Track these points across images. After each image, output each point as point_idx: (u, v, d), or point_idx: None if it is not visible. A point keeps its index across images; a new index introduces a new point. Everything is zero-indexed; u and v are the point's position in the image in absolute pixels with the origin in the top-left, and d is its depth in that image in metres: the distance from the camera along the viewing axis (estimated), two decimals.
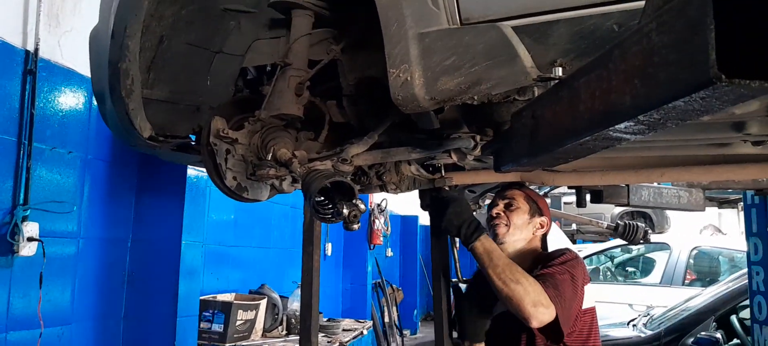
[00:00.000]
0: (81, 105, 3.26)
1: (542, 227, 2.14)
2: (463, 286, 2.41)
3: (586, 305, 1.96)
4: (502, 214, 2.11)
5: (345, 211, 1.44)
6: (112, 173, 3.51)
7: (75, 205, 3.20)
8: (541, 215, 2.13)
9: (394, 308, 9.12)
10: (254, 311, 4.42)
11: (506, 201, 2.13)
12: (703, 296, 4.78)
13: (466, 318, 2.17)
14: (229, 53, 2.01)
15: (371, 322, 6.73)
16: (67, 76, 3.14)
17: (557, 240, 5.90)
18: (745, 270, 4.04)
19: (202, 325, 4.12)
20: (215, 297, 4.40)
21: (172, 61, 1.92)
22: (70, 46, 3.16)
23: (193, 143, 2.15)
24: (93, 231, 3.35)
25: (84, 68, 2.89)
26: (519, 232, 2.09)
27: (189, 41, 1.93)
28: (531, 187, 2.39)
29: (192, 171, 3.70)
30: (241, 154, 1.79)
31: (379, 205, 8.83)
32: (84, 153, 3.27)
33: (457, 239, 2.30)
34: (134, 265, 3.66)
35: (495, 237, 2.11)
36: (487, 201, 3.95)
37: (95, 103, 2.24)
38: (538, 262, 2.00)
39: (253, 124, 1.78)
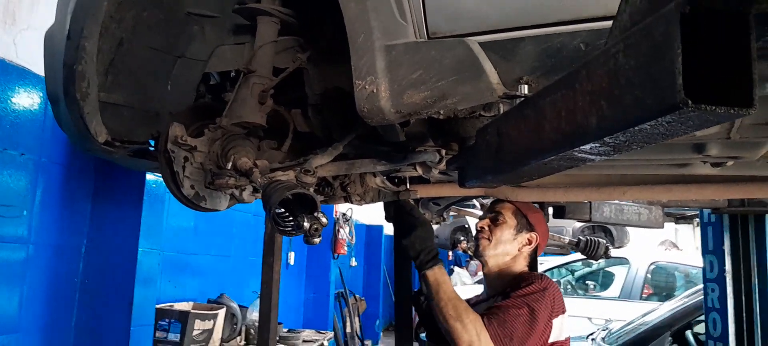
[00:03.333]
0: (36, 106, 3.14)
1: (530, 243, 2.08)
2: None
3: (555, 338, 1.90)
4: (486, 228, 2.08)
5: (306, 224, 1.40)
6: (67, 177, 3.39)
7: (25, 209, 3.07)
8: (530, 230, 2.08)
9: (357, 319, 9.06)
10: (212, 321, 4.31)
11: (493, 215, 2.10)
12: (659, 312, 4.87)
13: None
14: (192, 58, 1.96)
15: (332, 333, 6.66)
16: (21, 76, 3.02)
17: None
18: (700, 286, 4.13)
19: (157, 334, 4.00)
20: (172, 306, 4.28)
21: (132, 64, 1.86)
22: (25, 44, 3.04)
23: (151, 149, 2.09)
24: (44, 237, 3.22)
25: (40, 68, 2.76)
26: (502, 246, 2.05)
27: (150, 45, 1.87)
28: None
29: (151, 176, 3.60)
30: (199, 162, 1.74)
31: (344, 214, 8.78)
32: (37, 156, 3.15)
33: None
34: (88, 272, 3.53)
35: (477, 251, 2.09)
36: (452, 214, 3.97)
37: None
38: (516, 282, 1.95)
39: (213, 132, 1.73)
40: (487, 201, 2.80)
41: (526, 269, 2.08)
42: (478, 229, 2.12)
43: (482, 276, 2.19)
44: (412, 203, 2.27)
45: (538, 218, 2.14)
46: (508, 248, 2.05)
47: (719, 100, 0.69)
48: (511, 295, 1.88)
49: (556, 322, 1.90)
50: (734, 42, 0.72)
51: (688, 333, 4.44)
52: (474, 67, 1.25)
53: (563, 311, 1.95)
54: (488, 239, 2.06)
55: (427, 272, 1.91)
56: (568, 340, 1.97)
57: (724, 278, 3.47)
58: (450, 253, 13.67)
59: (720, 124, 1.44)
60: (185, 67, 1.96)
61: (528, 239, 2.07)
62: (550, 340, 1.89)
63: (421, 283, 2.05)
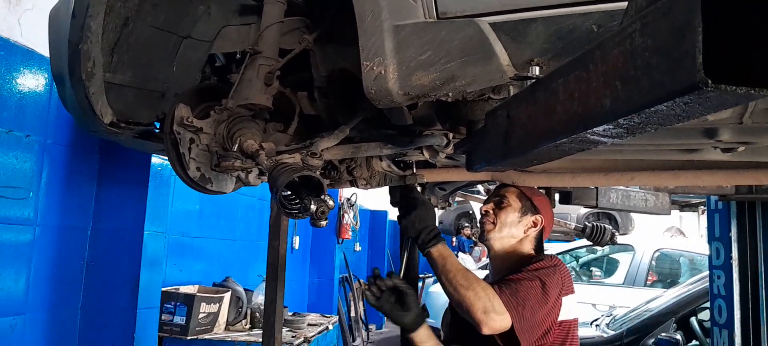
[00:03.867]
0: (41, 87, 3.13)
1: (535, 225, 2.07)
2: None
3: (564, 317, 1.90)
4: (491, 212, 2.08)
5: (312, 207, 1.39)
6: (72, 158, 3.39)
7: (31, 191, 3.08)
8: (535, 213, 2.08)
9: (361, 303, 9.11)
10: (217, 304, 4.33)
11: (497, 199, 2.10)
12: (664, 298, 4.87)
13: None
14: (197, 39, 1.94)
15: (337, 316, 6.69)
16: (26, 57, 3.01)
17: None
18: (705, 273, 4.12)
19: (163, 317, 4.02)
20: (178, 289, 4.30)
21: (137, 44, 1.85)
22: (30, 25, 3.03)
23: (156, 131, 2.08)
24: (50, 218, 3.23)
25: (45, 49, 2.76)
26: (507, 229, 2.04)
27: (155, 25, 1.86)
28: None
29: (156, 159, 3.60)
30: (205, 144, 1.73)
31: (348, 199, 8.80)
32: (43, 137, 3.14)
33: None
34: (94, 254, 3.54)
35: (482, 235, 2.09)
36: (457, 200, 3.96)
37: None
38: (523, 264, 1.95)
39: (219, 113, 1.72)
40: (493, 186, 2.78)
41: (533, 252, 2.07)
42: (483, 213, 2.11)
43: (487, 262, 2.18)
44: (417, 187, 2.26)
45: (543, 201, 2.13)
46: (513, 231, 2.05)
47: (739, 81, 0.67)
48: (521, 270, 1.88)
49: (565, 300, 1.90)
50: (754, 21, 0.70)
51: (693, 320, 4.43)
52: (484, 49, 1.23)
53: (572, 292, 1.95)
54: (493, 223, 2.05)
55: (430, 249, 1.90)
56: (576, 321, 1.97)
57: (731, 265, 3.46)
58: (454, 239, 13.70)
59: (732, 109, 1.42)
60: (191, 48, 1.94)
61: (533, 222, 2.07)
62: (560, 318, 1.89)
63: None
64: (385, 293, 1.98)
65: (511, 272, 1.90)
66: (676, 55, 0.68)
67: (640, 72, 0.76)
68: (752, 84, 0.68)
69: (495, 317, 1.72)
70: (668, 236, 11.05)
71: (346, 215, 8.46)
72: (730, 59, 0.71)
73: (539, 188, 2.32)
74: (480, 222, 2.12)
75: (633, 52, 0.77)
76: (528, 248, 2.07)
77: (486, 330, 1.73)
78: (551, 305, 1.84)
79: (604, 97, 0.84)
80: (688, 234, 12.97)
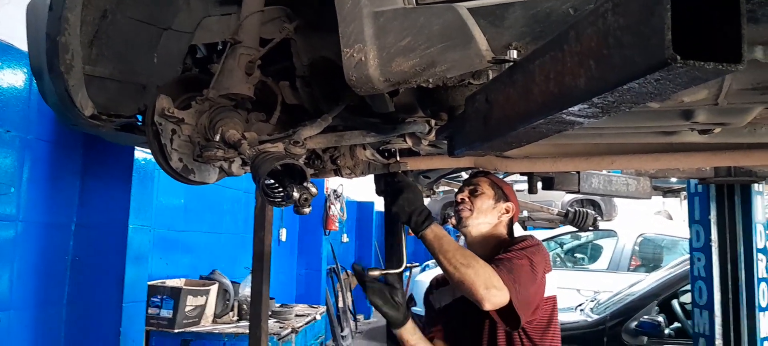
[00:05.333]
0: (21, 82, 3.09)
1: (508, 212, 2.12)
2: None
3: (548, 293, 1.96)
4: (467, 199, 2.11)
5: (295, 194, 1.40)
6: (55, 154, 3.35)
7: (13, 186, 3.05)
8: (507, 200, 2.13)
9: (349, 294, 9.13)
10: (204, 297, 4.33)
11: (471, 187, 2.13)
12: (646, 282, 4.94)
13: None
14: (178, 30, 1.93)
15: (325, 307, 6.70)
16: (4, 52, 2.97)
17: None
18: (686, 256, 4.19)
19: (150, 310, 4.01)
20: (164, 282, 4.29)
21: (117, 36, 1.83)
22: (7, 19, 2.98)
23: (139, 123, 2.07)
24: (33, 214, 3.20)
25: (23, 43, 2.73)
26: (483, 216, 2.08)
27: (135, 16, 1.84)
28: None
29: (140, 153, 3.58)
30: (187, 134, 1.72)
31: (335, 191, 8.80)
32: (24, 133, 3.11)
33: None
34: (78, 250, 3.52)
35: (459, 222, 2.11)
36: (442, 188, 3.98)
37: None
38: (500, 247, 1.99)
39: (200, 104, 1.72)
40: None
41: (507, 237, 2.11)
42: (458, 201, 2.14)
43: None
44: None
45: (511, 190, 2.20)
46: (489, 218, 2.09)
47: (708, 57, 0.69)
48: (508, 250, 1.90)
49: (548, 277, 1.95)
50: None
51: (675, 302, 4.51)
52: (463, 34, 1.24)
53: (551, 270, 2.00)
54: (470, 210, 2.09)
55: (424, 232, 1.89)
56: (556, 298, 2.02)
57: (710, 247, 3.52)
58: None
59: (708, 90, 1.45)
60: (171, 40, 1.93)
61: (505, 209, 2.12)
62: (545, 295, 1.94)
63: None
64: (377, 288, 1.99)
65: (491, 256, 1.93)
66: (646, 32, 0.70)
67: (612, 50, 0.78)
68: (720, 59, 0.70)
69: (496, 293, 1.74)
70: (659, 218, 11.17)
71: (332, 207, 8.47)
72: (698, 36, 0.73)
73: (522, 173, 2.34)
74: (456, 210, 2.14)
75: (605, 32, 0.79)
76: (502, 233, 2.12)
77: (488, 306, 1.75)
78: (539, 282, 1.89)
79: (578, 76, 0.86)
80: (673, 219, 13.13)
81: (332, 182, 8.72)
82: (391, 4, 1.28)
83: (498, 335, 1.96)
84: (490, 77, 1.39)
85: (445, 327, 2.15)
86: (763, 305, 3.44)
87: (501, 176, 2.44)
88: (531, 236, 2.02)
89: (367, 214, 11.56)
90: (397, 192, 1.98)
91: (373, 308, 2.03)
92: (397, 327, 2.00)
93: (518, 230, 2.24)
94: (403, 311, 1.99)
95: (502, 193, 2.13)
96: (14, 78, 3.05)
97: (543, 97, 0.95)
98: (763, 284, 3.46)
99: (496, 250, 1.98)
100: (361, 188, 10.76)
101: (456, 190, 2.35)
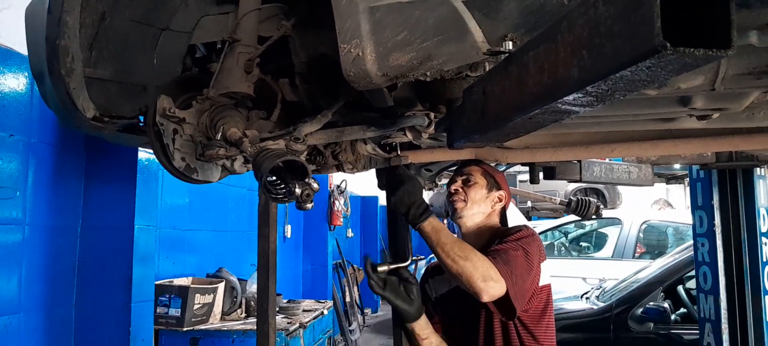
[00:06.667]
0: (23, 86, 3.11)
1: (501, 200, 2.14)
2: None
3: (542, 283, 1.98)
4: (461, 190, 2.12)
5: (297, 190, 1.41)
6: (58, 156, 3.38)
7: (18, 190, 3.07)
8: (499, 189, 2.14)
9: (355, 288, 9.16)
10: (212, 295, 4.35)
11: (464, 177, 2.14)
12: (651, 268, 4.95)
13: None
14: (177, 30, 1.94)
15: (332, 302, 6.73)
16: (5, 56, 2.99)
17: (513, 217, 5.99)
18: (690, 242, 4.19)
19: (158, 310, 4.04)
20: (172, 282, 4.32)
21: (116, 38, 1.84)
22: (8, 23, 3.00)
23: (140, 124, 2.08)
24: (39, 218, 3.23)
25: (24, 47, 2.74)
26: (477, 206, 2.10)
27: (133, 18, 1.85)
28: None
29: (143, 154, 3.60)
30: (189, 134, 1.73)
31: (338, 186, 8.82)
32: (27, 136, 3.14)
33: None
34: (85, 251, 3.55)
35: (453, 213, 2.12)
36: (444, 181, 3.98)
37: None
38: (495, 237, 2.01)
39: (201, 103, 1.73)
40: None
41: (500, 226, 2.13)
42: (452, 191, 2.14)
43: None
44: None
45: (503, 178, 2.21)
46: (483, 208, 2.11)
47: (698, 43, 0.69)
48: (503, 241, 1.92)
49: (542, 266, 1.97)
50: None
51: (680, 288, 4.52)
52: (458, 26, 1.25)
53: (545, 259, 2.01)
54: (464, 201, 2.10)
55: (422, 224, 1.89)
56: (550, 286, 2.04)
57: (714, 232, 3.52)
58: (445, 221, 13.75)
59: (704, 76, 1.45)
60: (170, 40, 1.94)
61: (498, 197, 2.14)
62: (540, 284, 1.97)
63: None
64: (390, 282, 1.99)
65: (486, 246, 1.94)
66: (636, 20, 0.71)
67: (603, 39, 0.78)
68: (710, 45, 0.70)
69: (493, 285, 1.75)
70: (657, 208, 11.17)
71: (336, 202, 8.48)
72: (688, 23, 0.74)
73: (523, 163, 2.35)
74: (450, 201, 2.14)
75: (597, 21, 0.80)
76: (495, 222, 2.13)
77: (485, 298, 1.76)
78: (534, 272, 1.91)
79: (571, 66, 0.86)
80: (675, 206, 13.11)
81: (336, 178, 8.74)
82: None
83: (494, 324, 1.99)
84: (487, 69, 1.40)
85: (442, 316, 2.17)
86: None
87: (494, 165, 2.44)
88: (525, 226, 2.03)
89: (372, 208, 11.58)
90: (397, 184, 1.99)
91: (381, 301, 2.05)
92: (411, 321, 2.00)
93: (511, 218, 2.25)
94: (417, 305, 2.00)
95: (495, 181, 2.14)
96: (16, 82, 3.07)
97: (538, 88, 0.95)
98: (767, 268, 3.46)
99: (491, 240, 2.00)
100: (365, 183, 10.78)
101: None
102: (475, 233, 2.10)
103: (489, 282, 1.74)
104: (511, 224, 2.20)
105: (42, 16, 1.71)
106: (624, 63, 0.75)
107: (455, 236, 1.90)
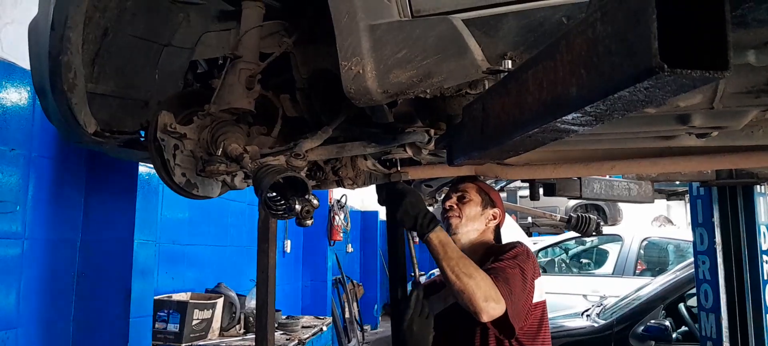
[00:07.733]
0: (24, 100, 3.12)
1: (495, 218, 2.16)
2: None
3: (536, 299, 1.98)
4: (455, 206, 2.13)
5: (297, 206, 1.42)
6: (58, 171, 3.38)
7: (18, 204, 3.07)
8: (494, 206, 2.16)
9: (355, 304, 9.12)
10: (211, 310, 4.34)
11: (459, 193, 2.16)
12: (652, 286, 4.93)
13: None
14: (178, 46, 1.96)
15: (331, 318, 6.70)
16: (7, 70, 3.01)
17: (512, 233, 5.98)
18: (691, 260, 4.18)
19: (157, 325, 4.02)
20: (170, 297, 4.30)
21: (118, 54, 1.86)
22: (10, 38, 3.02)
23: (141, 139, 2.09)
24: (39, 232, 3.22)
25: (26, 62, 2.76)
26: (472, 223, 2.11)
27: (135, 34, 1.87)
28: (486, 180, 2.41)
29: (143, 168, 3.60)
30: (190, 149, 1.74)
31: (338, 201, 8.81)
32: (27, 150, 3.14)
33: (414, 233, 2.29)
34: (84, 266, 3.53)
35: (448, 229, 2.12)
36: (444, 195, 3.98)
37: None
38: (490, 254, 2.01)
39: (202, 119, 1.74)
40: None
41: (494, 242, 2.13)
42: (446, 208, 2.15)
43: None
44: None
45: (498, 196, 2.22)
46: (477, 225, 2.12)
47: (695, 64, 0.70)
48: (500, 258, 1.91)
49: (536, 283, 1.98)
50: (709, 7, 0.73)
51: (681, 306, 4.50)
52: (458, 44, 1.26)
53: (540, 275, 2.02)
54: (459, 217, 2.11)
55: (430, 235, 1.89)
56: (545, 302, 2.03)
57: (715, 249, 3.51)
58: None
59: (703, 94, 1.46)
60: (172, 56, 1.96)
61: (492, 215, 2.16)
62: (534, 301, 1.96)
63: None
64: (415, 313, 1.98)
65: (480, 262, 1.94)
66: (633, 40, 0.71)
67: (601, 59, 0.79)
68: (707, 67, 0.71)
69: (494, 306, 1.76)
70: (657, 225, 11.15)
71: (336, 217, 8.47)
72: (685, 44, 0.74)
73: (523, 180, 2.35)
74: (445, 217, 2.15)
75: (595, 40, 0.80)
76: (490, 238, 2.14)
77: (485, 318, 1.76)
78: (529, 289, 1.92)
79: (570, 85, 0.87)
80: (676, 222, 13.09)
81: (336, 193, 8.74)
82: (387, 17, 1.30)
83: (489, 343, 1.98)
84: (487, 86, 1.41)
85: (436, 333, 2.16)
86: None
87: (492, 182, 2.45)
88: (520, 242, 2.04)
89: (372, 223, 11.56)
90: (399, 198, 1.99)
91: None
92: None
93: (510, 234, 2.26)
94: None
95: (489, 199, 2.16)
96: (18, 96, 3.08)
97: (537, 106, 0.96)
98: None
99: (486, 256, 2.00)
100: (365, 198, 10.78)
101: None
102: (469, 249, 2.10)
103: (490, 302, 1.74)
104: (505, 239, 2.20)
105: (45, 32, 1.72)
106: (622, 83, 0.75)
107: (459, 250, 1.90)
